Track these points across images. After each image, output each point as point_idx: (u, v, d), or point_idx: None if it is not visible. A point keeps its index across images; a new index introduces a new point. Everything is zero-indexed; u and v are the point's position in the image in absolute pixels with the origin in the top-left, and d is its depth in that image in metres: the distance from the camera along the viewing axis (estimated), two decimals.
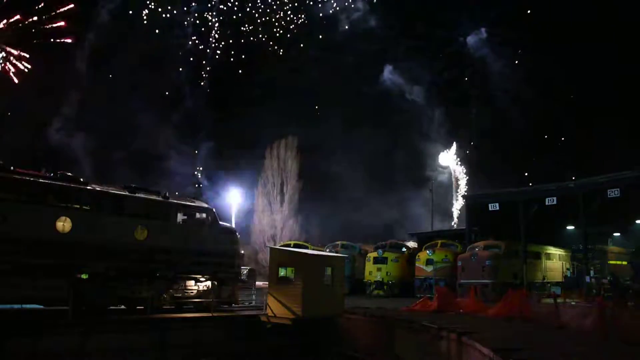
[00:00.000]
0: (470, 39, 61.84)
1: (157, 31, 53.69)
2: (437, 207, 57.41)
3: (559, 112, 56.77)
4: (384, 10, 60.21)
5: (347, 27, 59.74)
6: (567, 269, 33.35)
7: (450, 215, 61.22)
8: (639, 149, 45.52)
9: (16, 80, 45.62)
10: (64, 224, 15.16)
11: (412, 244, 37.11)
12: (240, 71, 59.11)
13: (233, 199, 51.37)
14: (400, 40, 59.85)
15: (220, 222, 19.92)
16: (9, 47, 45.16)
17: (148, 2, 52.46)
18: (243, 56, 58.35)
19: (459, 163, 62.67)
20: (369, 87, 61.29)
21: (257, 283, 29.09)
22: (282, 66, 59.07)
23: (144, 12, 52.76)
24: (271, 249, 20.70)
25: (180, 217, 18.31)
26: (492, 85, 58.18)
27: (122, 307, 17.03)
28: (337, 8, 58.65)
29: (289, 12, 57.55)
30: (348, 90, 61.84)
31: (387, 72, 61.54)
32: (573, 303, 20.76)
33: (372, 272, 30.71)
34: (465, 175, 61.97)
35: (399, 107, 62.10)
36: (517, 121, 56.51)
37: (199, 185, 55.00)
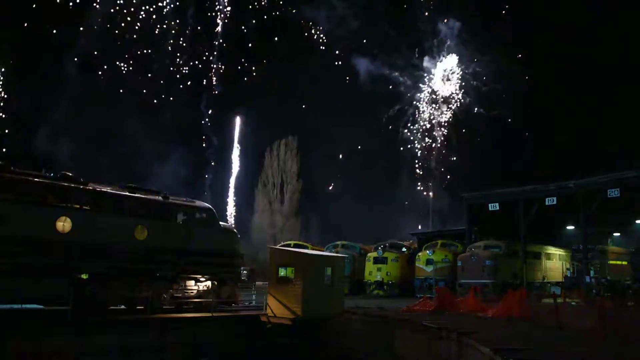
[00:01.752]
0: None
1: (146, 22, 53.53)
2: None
3: (558, 111, 56.82)
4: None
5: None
6: (567, 269, 33.37)
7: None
8: (639, 149, 45.59)
9: None
10: (64, 224, 15.15)
11: (412, 243, 37.13)
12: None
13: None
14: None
15: (220, 222, 19.92)
16: None
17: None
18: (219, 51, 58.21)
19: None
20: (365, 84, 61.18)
21: (257, 283, 29.08)
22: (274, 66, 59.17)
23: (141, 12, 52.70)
24: (271, 249, 20.70)
25: (180, 217, 18.30)
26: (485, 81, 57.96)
27: (122, 307, 17.03)
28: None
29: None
30: (342, 89, 61.81)
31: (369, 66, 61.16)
32: (573, 303, 20.77)
33: (372, 272, 30.73)
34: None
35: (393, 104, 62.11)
36: (516, 119, 56.51)
37: (197, 185, 55.01)
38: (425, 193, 57.45)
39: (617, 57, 53.41)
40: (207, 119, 56.43)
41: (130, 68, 51.71)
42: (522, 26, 57.02)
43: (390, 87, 60.29)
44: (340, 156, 59.91)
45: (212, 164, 56.53)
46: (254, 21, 57.52)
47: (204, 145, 56.58)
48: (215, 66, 56.79)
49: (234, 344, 17.33)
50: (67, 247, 15.14)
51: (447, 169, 60.58)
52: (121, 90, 50.87)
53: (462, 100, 59.19)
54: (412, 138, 61.10)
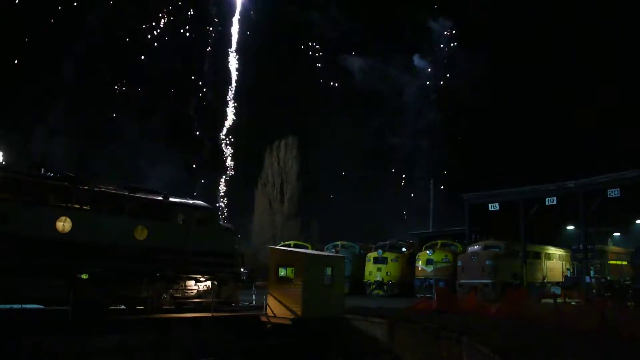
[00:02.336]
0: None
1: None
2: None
3: (558, 110, 56.78)
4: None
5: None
6: (567, 269, 33.37)
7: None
8: (639, 149, 45.58)
9: None
10: (64, 224, 15.15)
11: (412, 243, 37.13)
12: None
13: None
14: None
15: (220, 222, 19.91)
16: None
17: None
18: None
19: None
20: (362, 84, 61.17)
21: (257, 283, 29.09)
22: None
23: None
24: (271, 249, 20.70)
25: (180, 217, 18.30)
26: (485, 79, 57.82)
27: (122, 307, 17.02)
28: None
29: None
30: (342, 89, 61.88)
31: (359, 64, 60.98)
32: (573, 303, 20.80)
33: (372, 272, 30.72)
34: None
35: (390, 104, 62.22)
36: (516, 119, 56.49)
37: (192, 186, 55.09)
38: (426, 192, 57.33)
39: (617, 55, 53.48)
40: (196, 124, 56.98)
41: (124, 81, 52.20)
42: (519, 25, 57.06)
43: (383, 86, 60.52)
44: (340, 157, 60.02)
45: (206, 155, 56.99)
46: (248, 33, 58.01)
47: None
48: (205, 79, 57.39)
49: (234, 344, 17.32)
50: (67, 247, 15.14)
51: (446, 168, 60.72)
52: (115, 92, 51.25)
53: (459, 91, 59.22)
54: (408, 137, 61.23)
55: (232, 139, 58.63)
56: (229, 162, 58.80)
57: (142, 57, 53.40)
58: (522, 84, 57.70)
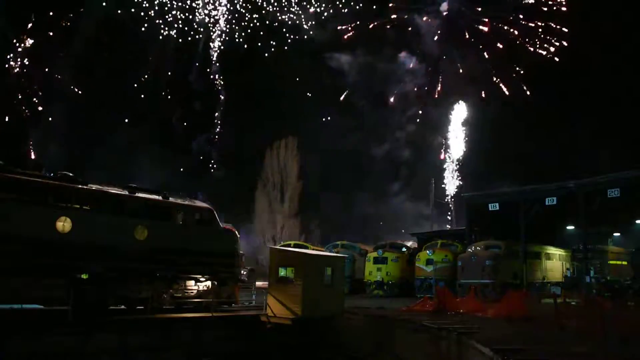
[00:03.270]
0: None
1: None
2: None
3: (559, 110, 56.72)
4: None
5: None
6: (567, 269, 33.35)
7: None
8: (639, 149, 45.55)
9: None
10: (64, 224, 15.16)
11: (412, 244, 37.16)
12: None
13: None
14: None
15: (220, 222, 19.91)
16: None
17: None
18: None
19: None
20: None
21: (257, 283, 29.09)
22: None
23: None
24: (271, 249, 20.72)
25: (180, 217, 18.31)
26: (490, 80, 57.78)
27: (122, 307, 17.02)
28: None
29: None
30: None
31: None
32: (573, 303, 20.77)
33: (372, 272, 30.70)
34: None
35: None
36: (516, 119, 56.44)
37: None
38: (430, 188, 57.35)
39: (617, 55, 53.41)
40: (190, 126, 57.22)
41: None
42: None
43: (378, 85, 60.54)
44: (340, 157, 60.04)
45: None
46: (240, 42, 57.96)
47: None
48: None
49: (234, 344, 17.33)
50: (67, 247, 15.14)
51: (447, 168, 60.72)
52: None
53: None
54: (406, 136, 61.25)
55: (229, 140, 58.83)
56: (228, 162, 58.92)
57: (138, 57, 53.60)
58: (521, 83, 57.67)
